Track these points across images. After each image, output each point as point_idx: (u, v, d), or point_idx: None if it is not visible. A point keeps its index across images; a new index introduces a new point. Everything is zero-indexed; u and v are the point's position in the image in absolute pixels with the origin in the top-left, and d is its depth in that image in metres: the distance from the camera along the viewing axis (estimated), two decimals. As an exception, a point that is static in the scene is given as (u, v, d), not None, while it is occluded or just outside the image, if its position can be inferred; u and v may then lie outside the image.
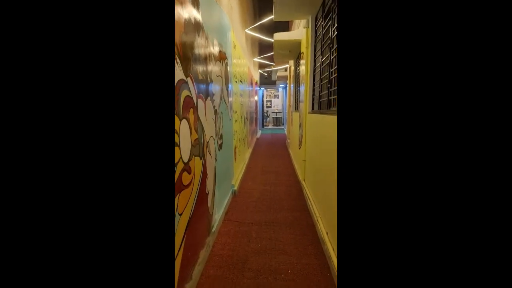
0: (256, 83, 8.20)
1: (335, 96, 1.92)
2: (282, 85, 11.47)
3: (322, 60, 2.37)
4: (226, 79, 2.55)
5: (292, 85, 5.46)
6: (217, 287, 1.43)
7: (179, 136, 1.21)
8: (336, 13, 1.88)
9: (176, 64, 1.18)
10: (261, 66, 9.46)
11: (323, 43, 2.35)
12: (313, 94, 2.79)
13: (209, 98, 1.85)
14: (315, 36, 2.73)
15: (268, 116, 13.07)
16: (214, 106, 2.02)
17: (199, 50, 1.57)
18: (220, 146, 2.29)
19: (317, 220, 2.09)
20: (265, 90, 12.78)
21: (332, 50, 2.01)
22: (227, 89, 2.63)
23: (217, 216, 2.09)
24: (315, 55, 2.73)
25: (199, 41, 1.57)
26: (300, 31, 3.49)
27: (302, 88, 3.37)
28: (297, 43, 3.73)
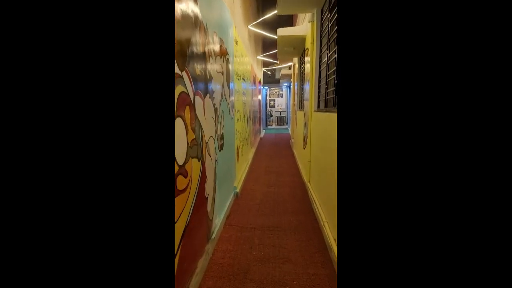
0: (260, 81, 8.07)
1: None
2: (286, 84, 11.32)
3: (329, 55, 2.23)
4: (227, 76, 2.43)
5: (296, 84, 5.33)
6: (216, 300, 1.32)
7: (172, 137, 1.10)
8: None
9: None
10: (265, 64, 9.33)
11: (329, 36, 2.22)
12: (319, 92, 2.66)
13: (208, 95, 1.73)
14: (321, 30, 2.59)
15: (271, 116, 12.94)
16: (214, 104, 1.91)
17: (197, 43, 1.46)
18: (221, 147, 2.18)
19: (324, 224, 1.96)
20: (268, 89, 12.64)
21: (340, 43, 1.88)
22: (229, 87, 2.51)
23: (218, 220, 1.97)
24: (321, 50, 2.60)
25: (197, 34, 1.45)
26: (304, 26, 3.36)
27: (306, 87, 3.24)
28: (302, 39, 3.60)
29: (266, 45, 8.07)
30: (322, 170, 2.22)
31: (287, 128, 11.53)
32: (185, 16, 1.26)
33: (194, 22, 1.41)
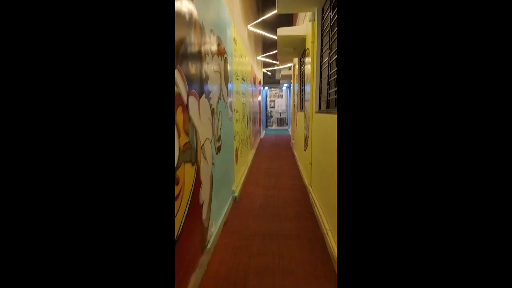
0: (260, 82, 7.98)
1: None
2: (286, 85, 11.23)
3: (331, 54, 2.14)
4: (225, 76, 2.34)
5: (296, 84, 5.24)
6: (211, 318, 1.22)
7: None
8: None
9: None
10: (265, 65, 9.25)
11: (331, 35, 2.12)
12: (320, 92, 2.57)
13: (204, 95, 1.64)
14: (322, 30, 2.50)
15: (272, 117, 12.84)
16: (211, 105, 1.81)
17: (192, 41, 1.36)
18: (218, 149, 2.08)
19: (327, 233, 1.86)
20: (268, 90, 12.55)
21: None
22: (227, 87, 2.42)
23: (214, 228, 1.87)
24: (322, 50, 2.51)
25: (192, 31, 1.36)
26: (305, 26, 3.27)
27: (307, 87, 3.15)
28: (302, 39, 3.52)
29: (266, 46, 7.99)
30: (324, 173, 2.12)
31: (287, 129, 11.43)
32: (178, 12, 1.16)
33: (189, 19, 1.31)
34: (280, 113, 12.68)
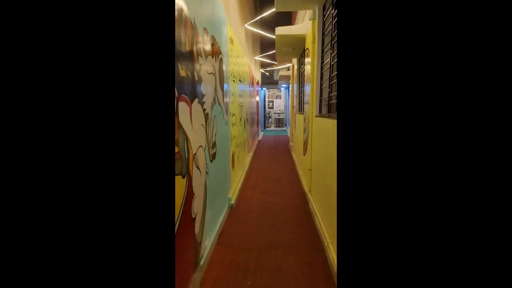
0: (258, 83, 7.85)
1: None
2: (285, 85, 11.11)
3: (333, 55, 2.02)
4: (221, 77, 2.21)
5: (295, 85, 5.12)
6: None
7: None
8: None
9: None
10: (263, 65, 9.13)
11: (333, 35, 2.00)
12: (321, 96, 2.45)
13: (197, 99, 1.51)
14: (323, 29, 2.38)
15: (270, 117, 12.71)
16: (204, 109, 1.69)
17: (181, 41, 1.24)
18: (213, 156, 1.95)
19: (328, 245, 1.75)
20: (267, 90, 12.43)
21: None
22: (222, 89, 2.29)
23: (208, 241, 1.75)
24: (323, 51, 2.39)
25: (181, 30, 1.23)
26: (304, 25, 3.15)
27: (307, 89, 3.03)
28: (301, 39, 3.39)
29: (264, 46, 7.87)
30: (324, 181, 2.00)
31: (285, 130, 11.31)
32: (164, 6, 1.04)
33: (178, 16, 1.19)
34: (279, 113, 12.56)
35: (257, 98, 7.66)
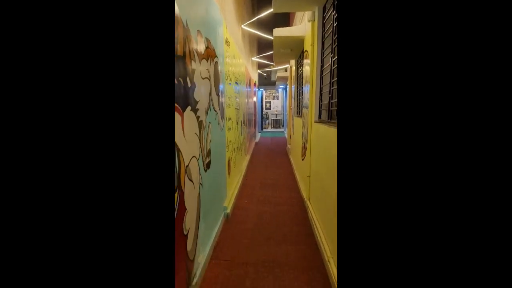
0: (255, 84, 7.75)
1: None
2: (282, 86, 11.02)
3: (333, 60, 1.92)
4: (216, 81, 2.11)
5: (293, 86, 5.02)
6: None
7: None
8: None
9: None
10: (260, 66, 9.02)
11: (334, 38, 1.91)
12: (321, 101, 2.35)
13: (190, 107, 1.41)
14: (323, 31, 2.29)
15: (267, 118, 12.62)
16: (198, 117, 1.58)
17: (171, 44, 1.13)
18: (208, 165, 1.85)
19: (328, 260, 1.65)
20: (264, 91, 12.33)
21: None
22: (218, 94, 2.19)
23: (202, 257, 1.64)
24: (323, 54, 2.29)
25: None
26: (303, 26, 3.06)
27: (305, 91, 2.93)
28: (300, 40, 3.30)
29: (261, 46, 7.77)
30: (324, 190, 1.91)
31: (283, 131, 11.21)
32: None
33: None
34: (276, 114, 12.46)
35: (254, 99, 7.56)
